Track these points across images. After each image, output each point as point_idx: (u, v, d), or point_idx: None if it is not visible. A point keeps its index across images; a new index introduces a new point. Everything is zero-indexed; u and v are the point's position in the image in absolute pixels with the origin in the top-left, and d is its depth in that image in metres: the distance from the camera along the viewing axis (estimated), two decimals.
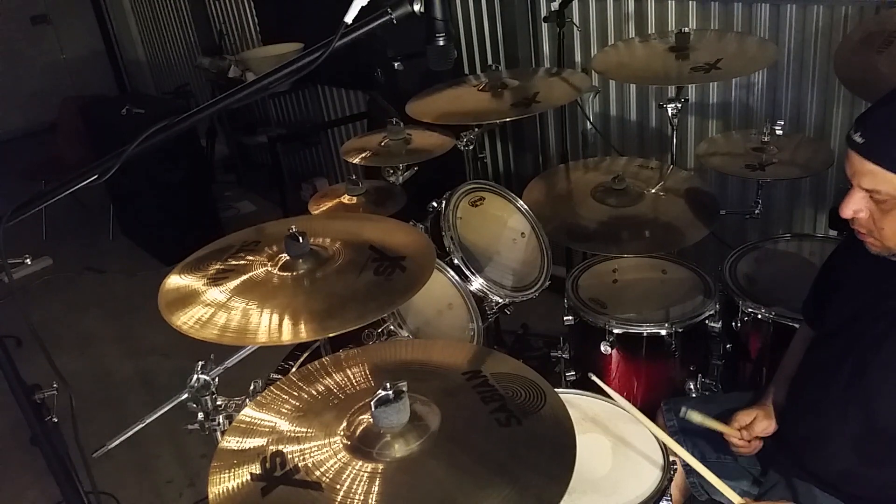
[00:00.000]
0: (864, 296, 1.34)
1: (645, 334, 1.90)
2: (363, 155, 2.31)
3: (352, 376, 1.28)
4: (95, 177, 1.14)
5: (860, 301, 1.35)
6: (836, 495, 1.37)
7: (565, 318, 2.04)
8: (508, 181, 3.53)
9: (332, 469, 1.07)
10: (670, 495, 1.39)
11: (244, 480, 1.07)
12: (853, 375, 1.30)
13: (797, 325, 1.79)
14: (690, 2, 2.60)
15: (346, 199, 2.34)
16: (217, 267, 1.47)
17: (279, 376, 1.60)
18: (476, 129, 2.40)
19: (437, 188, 2.04)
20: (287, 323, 1.28)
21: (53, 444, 1.34)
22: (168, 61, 6.46)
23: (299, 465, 1.08)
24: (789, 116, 2.50)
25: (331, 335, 1.47)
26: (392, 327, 1.75)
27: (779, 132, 2.16)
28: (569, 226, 2.14)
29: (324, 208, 2.32)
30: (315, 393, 1.25)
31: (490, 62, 3.27)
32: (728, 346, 2.00)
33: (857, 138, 1.17)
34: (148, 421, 1.41)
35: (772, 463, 1.52)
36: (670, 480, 1.38)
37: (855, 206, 1.22)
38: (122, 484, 2.58)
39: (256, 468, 1.09)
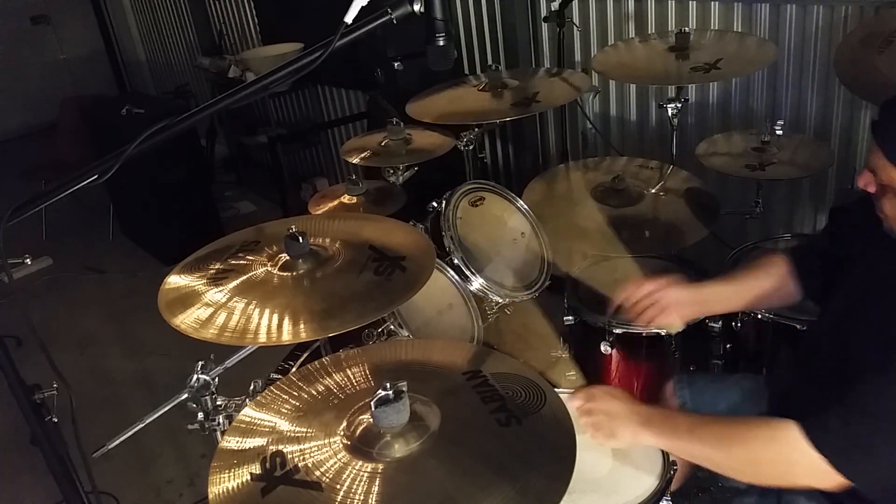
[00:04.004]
0: (873, 277, 1.32)
1: (645, 334, 1.90)
2: (363, 155, 2.32)
3: (352, 376, 1.28)
4: (95, 177, 1.14)
5: (869, 283, 1.32)
6: None
7: (565, 318, 2.03)
8: (508, 181, 3.52)
9: (332, 469, 1.07)
10: (670, 495, 1.39)
11: (244, 480, 1.07)
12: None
13: (797, 325, 1.79)
14: (690, 2, 2.60)
15: (346, 199, 2.34)
16: (217, 267, 1.47)
17: (279, 376, 1.60)
18: (476, 129, 2.40)
19: (437, 188, 2.04)
20: (287, 323, 1.28)
21: (53, 444, 1.34)
22: (168, 61, 6.46)
23: (299, 465, 1.08)
24: (789, 116, 2.49)
25: (331, 335, 1.47)
26: (392, 327, 1.75)
27: (779, 132, 2.16)
28: (569, 226, 2.13)
29: (324, 208, 2.33)
30: (315, 393, 1.25)
31: (490, 62, 3.27)
32: (728, 346, 2.00)
33: (875, 117, 1.19)
34: (148, 421, 1.42)
35: None
36: (670, 480, 1.38)
37: (863, 181, 1.23)
38: (122, 484, 2.58)
39: (256, 468, 1.09)
